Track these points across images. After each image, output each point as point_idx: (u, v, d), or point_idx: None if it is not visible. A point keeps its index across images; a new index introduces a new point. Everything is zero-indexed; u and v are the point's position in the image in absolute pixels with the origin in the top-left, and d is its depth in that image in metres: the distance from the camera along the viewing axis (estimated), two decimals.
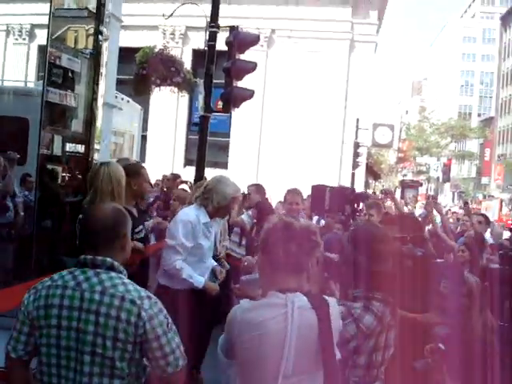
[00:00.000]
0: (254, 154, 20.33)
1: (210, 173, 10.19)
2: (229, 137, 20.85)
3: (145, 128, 18.74)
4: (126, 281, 2.35)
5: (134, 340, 2.23)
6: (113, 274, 2.33)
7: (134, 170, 4.58)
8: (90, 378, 2.22)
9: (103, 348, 2.22)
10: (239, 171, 16.07)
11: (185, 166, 20.83)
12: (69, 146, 6.65)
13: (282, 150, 19.47)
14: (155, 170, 11.34)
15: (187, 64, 14.22)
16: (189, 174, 13.29)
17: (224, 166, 19.75)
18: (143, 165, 4.84)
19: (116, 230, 2.41)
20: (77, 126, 6.79)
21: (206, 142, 8.39)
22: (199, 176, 8.23)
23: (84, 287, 2.28)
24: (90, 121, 6.39)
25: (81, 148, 6.65)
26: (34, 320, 2.30)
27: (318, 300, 2.23)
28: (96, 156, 6.38)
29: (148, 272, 4.90)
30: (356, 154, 21.61)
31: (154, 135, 20.99)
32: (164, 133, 20.90)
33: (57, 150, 6.53)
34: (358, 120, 21.14)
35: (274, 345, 2.11)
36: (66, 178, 7.26)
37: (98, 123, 6.27)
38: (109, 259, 2.35)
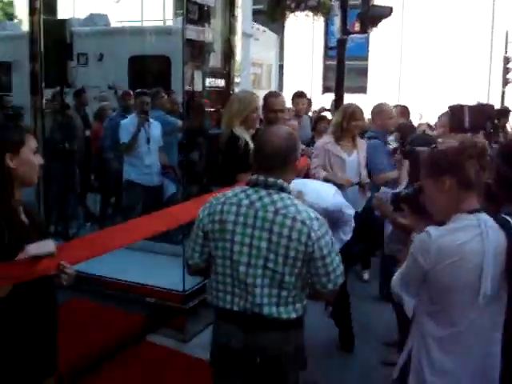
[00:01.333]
0: (395, 76, 19.52)
1: (348, 98, 9.98)
2: (367, 60, 20.14)
3: (281, 57, 18.63)
4: (296, 202, 2.44)
5: (303, 258, 2.36)
6: (283, 195, 2.42)
7: (263, 98, 4.59)
8: (261, 290, 2.39)
9: (275, 263, 2.37)
10: (379, 95, 15.55)
11: (323, 92, 20.57)
12: (209, 81, 6.77)
13: (424, 70, 18.48)
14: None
15: None
16: (327, 100, 13.12)
17: (363, 90, 19.22)
18: (281, 93, 4.81)
19: (290, 153, 2.49)
20: (215, 60, 6.88)
21: (343, 66, 8.17)
22: (339, 101, 8.08)
23: (257, 206, 2.40)
24: (228, 54, 6.45)
25: (220, 82, 6.74)
26: (209, 233, 2.48)
27: (500, 219, 2.23)
28: (236, 89, 6.44)
29: None
30: (506, 70, 19.98)
31: (290, 63, 20.83)
32: (300, 60, 20.67)
33: (197, 86, 6.68)
34: (507, 33, 19.41)
35: (473, 267, 2.12)
36: (208, 112, 7.48)
37: (237, 56, 6.31)
38: (280, 181, 2.42)
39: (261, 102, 4.43)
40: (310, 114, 9.46)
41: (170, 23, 13.06)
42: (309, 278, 2.45)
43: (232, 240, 2.41)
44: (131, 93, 7.00)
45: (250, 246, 2.39)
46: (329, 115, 8.40)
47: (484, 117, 4.83)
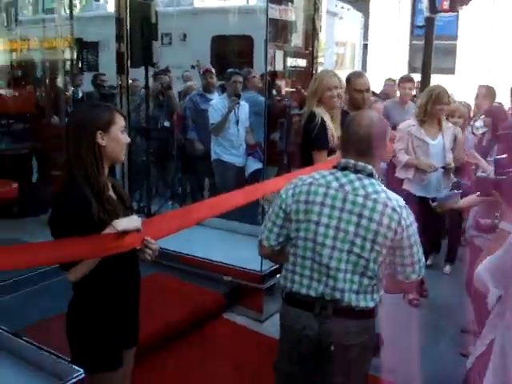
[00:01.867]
0: (485, 56, 18.64)
1: (435, 79, 9.61)
2: (456, 39, 19.32)
3: (366, 36, 18.21)
4: (385, 189, 2.41)
5: (391, 245, 2.33)
6: (373, 180, 2.40)
7: (346, 79, 4.47)
8: (343, 274, 2.35)
9: (361, 248, 2.33)
10: (468, 76, 14.91)
11: (409, 73, 19.95)
12: (290, 61, 6.70)
13: None
14: (378, 79, 10.99)
15: None
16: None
17: (451, 71, 18.47)
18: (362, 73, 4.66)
19: (380, 139, 2.46)
20: (297, 40, 6.79)
21: (431, 46, 7.85)
22: (425, 83, 7.78)
23: (347, 189, 2.37)
24: (311, 33, 6.34)
25: (302, 62, 6.65)
26: (292, 213, 2.45)
27: None
28: (319, 68, 6.32)
29: None
30: None
31: (375, 43, 20.31)
32: (386, 40, 20.09)
33: (279, 66, 6.63)
34: None
35: None
36: (290, 92, 7.41)
37: (320, 35, 6.19)
38: (370, 166, 2.41)
39: (344, 82, 4.33)
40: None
41: (252, 2, 13.01)
42: (391, 268, 2.41)
43: (318, 222, 2.38)
44: (212, 70, 7.00)
45: (336, 229, 2.35)
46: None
47: None
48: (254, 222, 5.65)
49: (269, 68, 6.31)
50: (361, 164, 2.40)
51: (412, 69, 19.60)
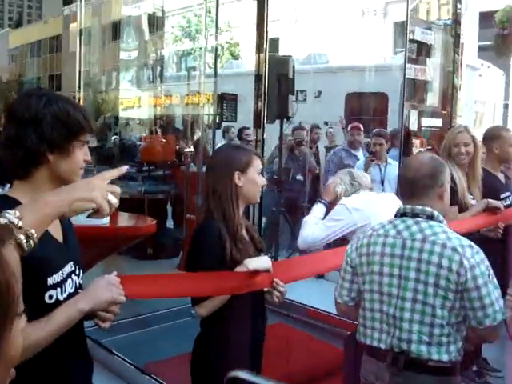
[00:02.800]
0: None
1: None
2: None
3: (507, 95, 17.52)
4: (447, 229, 2.31)
5: (456, 288, 2.20)
6: (432, 222, 2.32)
7: (494, 133, 4.30)
8: (410, 324, 2.26)
9: (424, 294, 2.23)
10: None
11: None
12: (425, 121, 6.61)
13: None
14: None
15: None
16: None
17: None
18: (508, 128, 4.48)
19: (432, 177, 2.39)
20: (433, 99, 6.70)
21: None
22: None
23: (405, 235, 2.31)
24: (448, 92, 6.23)
25: (437, 122, 6.53)
26: (357, 267, 2.42)
27: None
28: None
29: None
30: None
31: None
32: None
33: (413, 125, 6.56)
34: None
35: None
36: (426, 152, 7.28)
37: (460, 94, 6.05)
38: (428, 208, 2.34)
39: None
40: None
41: (387, 61, 13.06)
42: (464, 314, 2.25)
43: (381, 272, 2.33)
44: (361, 127, 7.04)
45: (399, 278, 2.28)
46: None
47: None
48: None
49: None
50: (418, 207, 2.34)
51: None
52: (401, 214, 2.40)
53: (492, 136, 4.31)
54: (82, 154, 1.73)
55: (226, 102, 6.44)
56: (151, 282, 2.31)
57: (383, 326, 2.34)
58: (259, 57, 5.12)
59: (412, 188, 2.39)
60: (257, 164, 2.52)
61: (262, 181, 2.57)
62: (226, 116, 6.43)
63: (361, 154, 6.80)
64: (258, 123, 5.11)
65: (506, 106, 16.58)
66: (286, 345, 4.51)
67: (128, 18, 12.40)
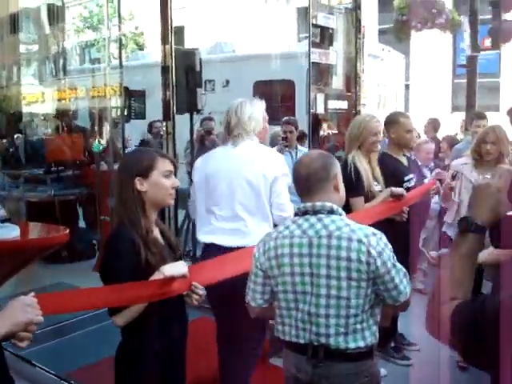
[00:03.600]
0: None
1: None
2: (499, 77, 19.17)
3: (407, 76, 18.24)
4: (349, 222, 2.36)
5: (368, 276, 2.26)
6: (334, 217, 2.35)
7: (392, 119, 4.47)
8: (326, 320, 2.31)
9: (338, 289, 2.28)
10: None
11: (452, 111, 19.81)
12: (331, 104, 6.74)
13: None
14: (420, 119, 10.98)
15: (447, 2, 13.31)
16: (456, 120, 12.61)
17: (495, 108, 18.28)
18: (407, 114, 4.66)
19: (325, 169, 2.42)
20: (337, 82, 6.85)
21: (475, 84, 7.82)
22: (468, 121, 7.71)
23: (310, 234, 2.33)
24: (352, 75, 6.39)
25: (343, 104, 6.69)
26: (268, 270, 2.42)
27: None
28: (362, 110, 6.34)
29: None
30: None
31: (416, 83, 20.31)
32: (427, 79, 20.08)
33: (320, 109, 6.68)
34: None
35: None
36: (331, 134, 7.45)
37: (363, 77, 6.23)
38: (328, 203, 2.37)
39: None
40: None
41: (292, 47, 13.23)
42: (377, 297, 2.36)
43: (292, 273, 2.35)
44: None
45: (311, 275, 2.32)
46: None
47: None
48: None
49: (311, 111, 6.36)
50: (318, 204, 2.36)
51: (454, 107, 19.48)
52: (302, 213, 2.41)
53: (390, 121, 4.47)
54: None
55: (134, 98, 6.32)
56: (68, 298, 2.28)
57: (299, 324, 2.37)
58: (165, 48, 5.04)
59: (308, 183, 2.41)
60: (162, 166, 2.46)
61: (173, 183, 2.50)
62: (134, 111, 6.30)
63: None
64: (167, 116, 5.05)
65: (407, 87, 17.29)
66: (210, 339, 4.51)
67: (26, 10, 11.86)
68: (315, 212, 2.37)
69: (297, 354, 2.40)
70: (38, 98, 12.27)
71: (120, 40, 7.57)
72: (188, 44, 6.69)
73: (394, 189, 3.94)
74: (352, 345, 2.31)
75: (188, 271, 2.37)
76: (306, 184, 2.42)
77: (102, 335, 4.12)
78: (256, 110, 3.48)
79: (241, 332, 3.36)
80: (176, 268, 2.34)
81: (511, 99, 18.41)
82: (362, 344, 2.32)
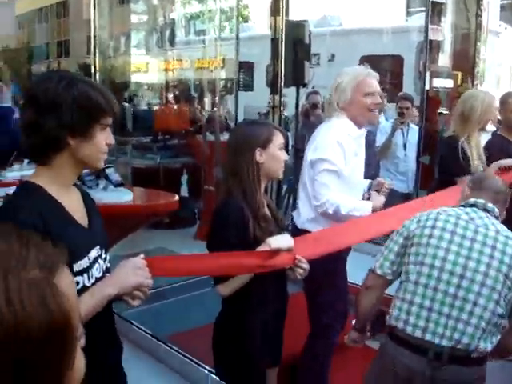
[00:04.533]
0: None
1: None
2: None
3: None
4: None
5: None
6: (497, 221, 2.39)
7: (502, 99, 4.19)
8: (472, 307, 2.20)
9: (495, 280, 2.21)
10: None
11: None
12: (436, 82, 6.44)
13: None
14: None
15: None
16: None
17: None
18: None
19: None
20: (444, 60, 6.56)
21: None
22: None
23: (478, 223, 2.32)
24: (462, 53, 6.09)
25: (448, 83, 6.40)
26: (415, 237, 2.33)
27: None
28: (480, 88, 5.96)
29: None
30: None
31: None
32: None
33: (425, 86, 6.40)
34: None
35: None
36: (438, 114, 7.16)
37: (481, 55, 5.86)
38: (497, 210, 2.41)
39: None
40: None
41: (401, 22, 12.76)
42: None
43: (447, 249, 2.26)
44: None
45: (467, 259, 2.23)
46: None
47: None
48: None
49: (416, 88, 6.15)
50: (490, 205, 2.40)
51: None
52: (470, 205, 2.42)
53: (501, 102, 4.20)
54: (103, 138, 1.68)
55: (243, 70, 6.32)
56: (175, 263, 2.33)
57: (432, 311, 2.24)
58: (276, 20, 4.99)
59: (497, 196, 2.47)
60: (278, 139, 2.47)
61: (285, 156, 2.51)
62: (242, 84, 6.31)
63: (382, 118, 6.68)
64: (275, 89, 5.02)
65: None
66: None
67: None
68: (485, 210, 2.40)
69: (414, 354, 2.27)
70: (143, 68, 12.64)
71: (238, 10, 7.57)
72: (294, 16, 6.59)
73: (502, 161, 3.61)
74: (482, 345, 2.21)
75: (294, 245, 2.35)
76: (495, 195, 2.47)
77: (201, 302, 4.21)
78: (344, 79, 3.11)
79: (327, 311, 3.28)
80: (282, 241, 2.32)
81: None
82: (489, 348, 2.23)
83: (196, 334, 3.90)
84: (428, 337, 2.23)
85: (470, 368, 2.23)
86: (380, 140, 6.04)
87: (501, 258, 2.22)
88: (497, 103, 4.03)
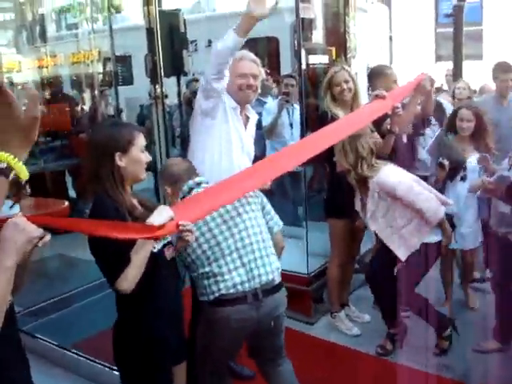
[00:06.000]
0: None
1: (465, 66, 9.45)
2: (481, 25, 19.02)
3: (390, 28, 18.02)
4: None
5: None
6: None
7: (377, 71, 4.50)
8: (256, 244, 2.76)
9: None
10: (496, 61, 14.58)
11: (436, 61, 19.69)
12: (312, 58, 6.60)
13: None
14: (405, 70, 10.88)
15: None
16: (441, 70, 12.54)
17: (479, 57, 18.18)
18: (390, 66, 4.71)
19: None
20: (317, 36, 6.75)
21: (461, 33, 7.75)
22: (457, 70, 7.67)
23: None
24: (335, 30, 6.28)
25: (324, 58, 6.58)
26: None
27: None
28: (352, 64, 6.15)
29: None
30: None
31: (399, 34, 20.09)
32: (410, 30, 19.88)
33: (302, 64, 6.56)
34: None
35: None
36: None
37: (351, 29, 6.07)
38: None
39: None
40: None
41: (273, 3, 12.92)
42: None
43: None
44: (266, 72, 6.92)
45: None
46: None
47: None
48: (294, 223, 5.59)
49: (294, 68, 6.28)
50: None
51: (438, 57, 19.37)
52: None
53: (374, 74, 4.51)
54: None
55: (120, 64, 6.14)
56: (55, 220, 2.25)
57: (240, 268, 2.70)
58: (149, 9, 4.91)
59: None
60: (139, 141, 2.40)
61: (147, 157, 2.45)
62: (121, 78, 6.15)
63: (269, 99, 6.77)
64: (155, 79, 4.95)
65: (390, 39, 17.11)
66: None
67: None
68: None
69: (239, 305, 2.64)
70: (15, 68, 11.97)
71: (109, 1, 7.34)
72: (166, 5, 6.50)
73: (376, 91, 3.84)
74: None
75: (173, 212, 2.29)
76: None
77: (102, 305, 4.11)
78: None
79: None
80: (162, 215, 2.24)
81: (494, 47, 18.33)
82: (279, 264, 2.93)
83: (102, 337, 3.81)
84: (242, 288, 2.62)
85: (280, 292, 2.76)
86: (266, 120, 6.08)
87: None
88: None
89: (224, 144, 3.33)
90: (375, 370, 3.94)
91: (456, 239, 4.26)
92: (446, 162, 4.23)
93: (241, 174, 2.87)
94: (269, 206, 2.93)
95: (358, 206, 4.01)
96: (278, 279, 2.78)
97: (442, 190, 4.19)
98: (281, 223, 3.01)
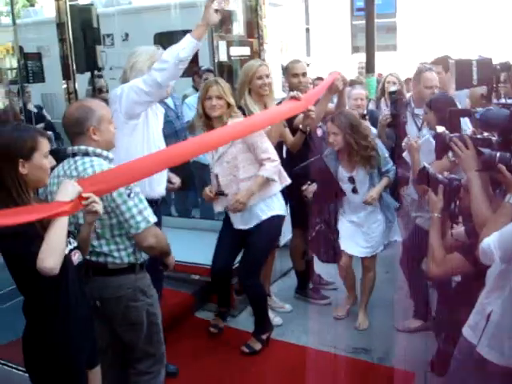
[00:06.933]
0: (425, 32, 18.99)
1: (379, 57, 9.75)
2: (395, 17, 19.63)
3: (307, 20, 18.33)
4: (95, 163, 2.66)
5: None
6: (85, 159, 2.68)
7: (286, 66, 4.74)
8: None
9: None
10: (410, 53, 15.15)
11: (352, 53, 20.17)
12: (233, 50, 6.64)
13: (458, 23, 17.90)
14: (321, 62, 11.12)
15: None
16: (357, 61, 12.88)
17: (393, 48, 18.79)
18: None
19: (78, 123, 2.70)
20: (238, 28, 6.79)
21: (373, 25, 7.99)
22: (370, 61, 7.92)
23: (67, 174, 2.70)
24: (254, 21, 6.35)
25: (245, 50, 6.63)
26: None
27: None
28: (266, 56, 6.25)
29: None
30: None
31: (316, 26, 20.45)
32: (326, 22, 20.26)
33: (223, 56, 6.59)
34: None
35: None
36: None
37: (264, 22, 6.14)
38: (83, 146, 2.70)
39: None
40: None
41: None
42: None
43: None
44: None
45: None
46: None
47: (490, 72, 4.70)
48: (212, 217, 5.62)
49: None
50: (75, 147, 2.71)
51: (355, 48, 19.85)
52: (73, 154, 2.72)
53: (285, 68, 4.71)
54: None
55: (29, 59, 5.96)
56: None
57: None
58: (59, 4, 4.80)
59: (69, 130, 2.74)
60: (43, 146, 2.34)
61: (51, 162, 2.41)
62: (32, 75, 5.96)
63: (191, 91, 6.77)
64: (67, 75, 4.85)
65: (307, 31, 17.38)
66: None
67: None
68: (73, 154, 2.72)
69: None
70: None
71: None
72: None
73: (292, 93, 4.09)
74: None
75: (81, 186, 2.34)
76: (68, 130, 2.75)
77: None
78: (139, 59, 3.59)
79: None
80: (69, 191, 2.27)
81: (407, 39, 18.99)
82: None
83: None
84: None
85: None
86: (188, 115, 6.06)
87: None
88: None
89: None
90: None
91: None
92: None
93: (147, 156, 3.12)
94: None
95: None
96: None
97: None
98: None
